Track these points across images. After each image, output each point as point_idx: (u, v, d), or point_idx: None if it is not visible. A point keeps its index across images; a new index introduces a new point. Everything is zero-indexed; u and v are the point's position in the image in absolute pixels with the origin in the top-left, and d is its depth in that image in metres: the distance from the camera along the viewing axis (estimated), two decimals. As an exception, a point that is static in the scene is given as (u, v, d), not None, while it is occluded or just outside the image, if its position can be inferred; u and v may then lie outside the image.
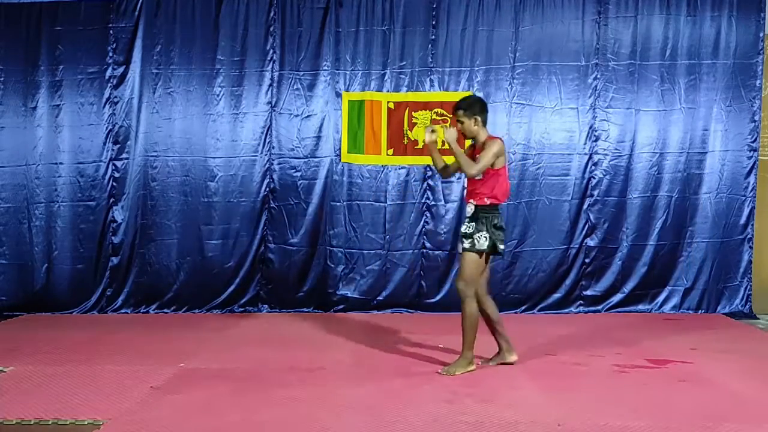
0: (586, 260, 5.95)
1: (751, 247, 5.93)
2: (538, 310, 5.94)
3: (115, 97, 6.00)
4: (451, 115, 5.79)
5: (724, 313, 5.89)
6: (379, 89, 5.93)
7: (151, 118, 5.99)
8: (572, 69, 5.87)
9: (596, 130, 5.91)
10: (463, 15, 5.89)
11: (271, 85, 5.96)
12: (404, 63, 5.91)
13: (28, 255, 6.02)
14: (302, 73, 5.95)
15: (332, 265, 5.98)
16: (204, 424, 3.19)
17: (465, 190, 4.17)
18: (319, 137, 5.98)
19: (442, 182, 5.89)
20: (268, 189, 5.99)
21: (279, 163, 5.98)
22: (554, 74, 5.87)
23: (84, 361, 4.35)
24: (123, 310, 5.98)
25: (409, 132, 5.90)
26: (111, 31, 5.97)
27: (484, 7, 5.88)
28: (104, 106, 6.00)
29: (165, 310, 6.00)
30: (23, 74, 6.02)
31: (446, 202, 5.91)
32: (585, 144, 5.91)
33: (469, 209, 4.04)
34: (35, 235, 6.01)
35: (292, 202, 5.99)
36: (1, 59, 6.03)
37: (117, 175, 6.00)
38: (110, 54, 5.98)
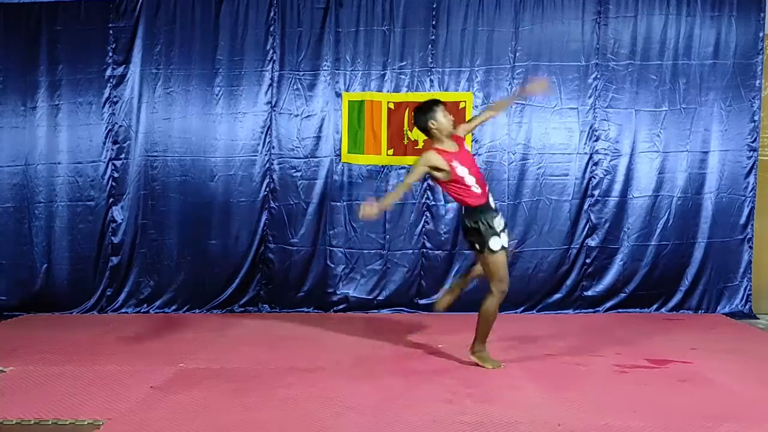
0: (587, 260, 5.95)
1: (751, 247, 5.93)
2: (538, 310, 5.94)
3: (115, 96, 6.00)
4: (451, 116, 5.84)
5: (724, 313, 5.88)
6: (379, 89, 5.93)
7: (151, 117, 5.99)
8: (572, 69, 5.87)
9: (596, 130, 5.91)
10: (463, 15, 5.89)
11: (270, 85, 5.96)
12: (404, 63, 5.91)
13: (28, 255, 6.03)
14: (302, 73, 5.95)
15: (332, 265, 5.98)
16: (204, 424, 3.19)
17: (481, 189, 4.07)
18: (319, 137, 5.97)
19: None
20: (268, 189, 5.99)
21: (279, 163, 5.98)
22: (554, 74, 5.86)
23: (84, 361, 4.35)
24: (123, 310, 5.98)
25: (409, 132, 5.90)
26: (111, 31, 5.97)
27: (484, 7, 5.88)
28: (104, 106, 6.00)
29: (165, 310, 5.99)
30: (23, 74, 6.02)
31: (446, 202, 5.90)
32: (585, 144, 5.91)
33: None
34: (35, 235, 6.02)
35: (292, 202, 5.99)
36: (1, 59, 6.03)
37: (116, 175, 6.01)
38: (110, 54, 5.98)
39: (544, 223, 5.91)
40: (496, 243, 3.98)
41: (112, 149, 6.01)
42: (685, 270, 5.93)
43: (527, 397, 3.61)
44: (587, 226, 5.93)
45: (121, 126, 6.00)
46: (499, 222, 4.04)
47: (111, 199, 6.01)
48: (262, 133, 5.97)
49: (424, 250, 5.97)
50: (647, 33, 5.86)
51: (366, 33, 5.92)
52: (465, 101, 5.87)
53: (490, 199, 4.10)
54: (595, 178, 5.92)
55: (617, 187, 5.91)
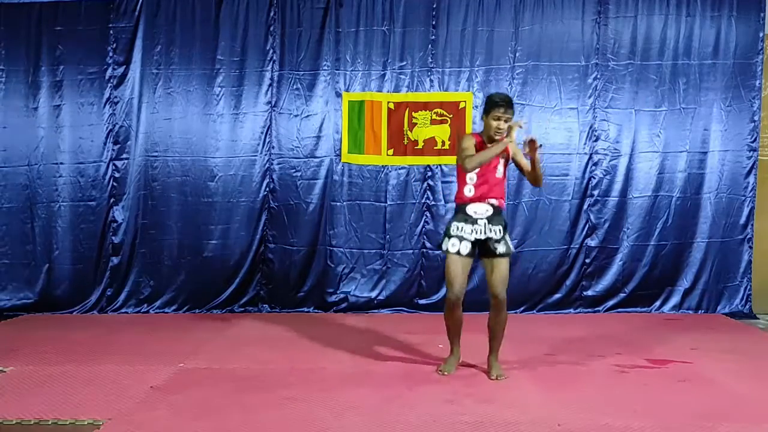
0: (587, 260, 5.95)
1: (751, 247, 5.93)
2: (538, 311, 5.94)
3: (116, 97, 6.00)
4: (450, 115, 5.86)
5: (724, 313, 5.89)
6: (380, 89, 5.93)
7: (151, 118, 5.99)
8: (572, 69, 5.87)
9: (596, 130, 5.91)
10: (463, 15, 5.89)
11: (270, 85, 5.96)
12: (404, 63, 5.91)
13: (30, 255, 6.03)
14: (302, 73, 5.95)
15: (332, 265, 5.99)
16: (204, 424, 3.19)
17: (474, 189, 4.01)
18: (319, 137, 5.98)
19: (442, 182, 5.91)
20: (268, 189, 5.99)
21: (279, 163, 5.98)
22: (554, 74, 5.87)
23: (84, 361, 4.35)
24: (123, 310, 5.98)
25: (409, 132, 5.90)
26: (111, 31, 5.97)
27: (484, 7, 5.89)
28: (104, 106, 6.01)
29: (165, 310, 6.00)
30: (24, 75, 6.02)
31: (446, 202, 5.90)
32: (585, 144, 5.91)
33: (488, 209, 3.95)
34: (38, 235, 6.02)
35: (292, 202, 5.99)
36: (2, 60, 6.04)
37: (117, 175, 6.01)
38: (110, 54, 5.99)
39: (543, 223, 5.92)
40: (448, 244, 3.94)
41: (113, 149, 6.01)
42: (685, 270, 5.94)
43: (527, 397, 3.61)
44: (587, 226, 5.94)
45: (121, 126, 6.01)
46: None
47: (112, 199, 6.02)
48: (262, 133, 5.97)
49: (424, 250, 5.97)
50: (647, 33, 5.87)
51: (366, 33, 5.92)
52: (465, 101, 5.87)
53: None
54: (594, 178, 5.92)
55: (617, 187, 5.91)
